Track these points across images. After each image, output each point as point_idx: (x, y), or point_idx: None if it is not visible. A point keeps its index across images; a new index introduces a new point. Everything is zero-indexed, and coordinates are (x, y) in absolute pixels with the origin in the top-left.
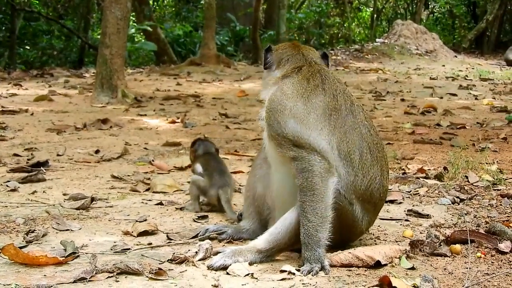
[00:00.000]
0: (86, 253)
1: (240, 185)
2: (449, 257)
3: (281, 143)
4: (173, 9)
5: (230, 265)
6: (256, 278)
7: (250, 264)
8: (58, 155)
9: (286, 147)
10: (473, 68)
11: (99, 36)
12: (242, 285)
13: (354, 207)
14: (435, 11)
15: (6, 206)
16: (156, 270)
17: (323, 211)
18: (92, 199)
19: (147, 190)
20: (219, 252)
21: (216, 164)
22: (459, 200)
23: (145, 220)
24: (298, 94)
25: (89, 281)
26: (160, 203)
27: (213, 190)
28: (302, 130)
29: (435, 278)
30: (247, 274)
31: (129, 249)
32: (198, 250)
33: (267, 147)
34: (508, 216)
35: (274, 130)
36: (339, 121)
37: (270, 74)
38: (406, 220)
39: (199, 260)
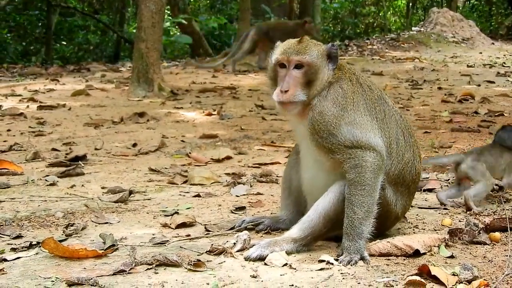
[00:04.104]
0: (125, 246)
1: (277, 176)
2: (488, 245)
3: (334, 150)
4: (208, 1)
5: (267, 255)
6: (294, 268)
7: (288, 254)
8: (96, 149)
9: (340, 152)
10: (510, 55)
11: (134, 30)
12: (281, 275)
13: (386, 191)
14: None
15: (46, 200)
16: (194, 261)
17: (370, 205)
18: (130, 192)
19: (185, 182)
20: (255, 245)
21: None
22: (497, 187)
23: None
24: (349, 100)
25: (128, 273)
26: (198, 195)
27: None
28: (360, 134)
29: (475, 266)
30: (285, 264)
31: (167, 241)
32: (236, 241)
33: (313, 152)
34: None
35: (328, 141)
36: (380, 113)
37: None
38: (445, 209)
39: (237, 251)
